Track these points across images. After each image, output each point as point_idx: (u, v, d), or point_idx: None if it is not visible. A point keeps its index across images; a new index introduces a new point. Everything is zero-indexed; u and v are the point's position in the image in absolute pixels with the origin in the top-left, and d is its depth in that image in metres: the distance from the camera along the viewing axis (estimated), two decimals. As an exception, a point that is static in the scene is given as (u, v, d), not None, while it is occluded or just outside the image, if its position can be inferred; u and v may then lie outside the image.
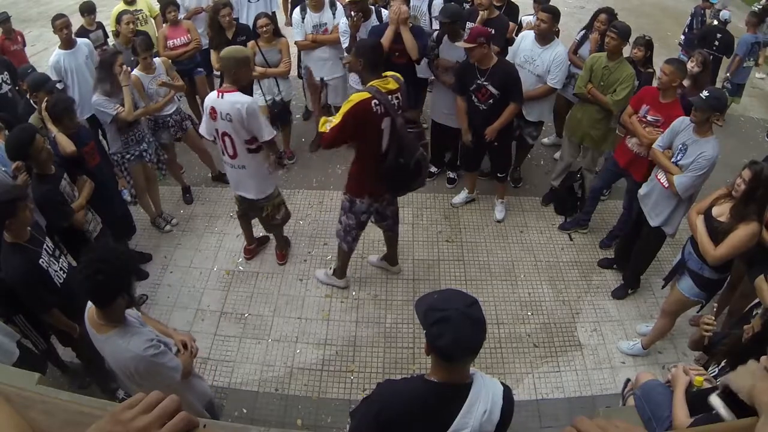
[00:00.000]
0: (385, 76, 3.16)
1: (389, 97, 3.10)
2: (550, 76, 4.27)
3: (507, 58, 4.43)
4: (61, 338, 3.11)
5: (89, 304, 2.10)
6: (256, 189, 3.63)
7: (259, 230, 4.46)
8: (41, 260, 2.67)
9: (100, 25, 5.19)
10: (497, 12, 4.58)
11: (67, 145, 3.25)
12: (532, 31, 4.35)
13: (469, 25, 4.42)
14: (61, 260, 2.82)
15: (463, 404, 1.72)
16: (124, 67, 3.75)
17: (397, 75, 3.24)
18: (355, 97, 3.04)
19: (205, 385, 2.69)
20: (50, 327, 3.02)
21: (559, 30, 4.49)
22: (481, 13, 4.39)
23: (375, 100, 3.04)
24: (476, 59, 3.88)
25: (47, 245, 2.75)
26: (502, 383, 1.84)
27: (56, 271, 2.75)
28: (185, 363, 2.29)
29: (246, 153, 3.40)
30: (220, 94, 3.23)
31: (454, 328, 1.59)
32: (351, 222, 3.58)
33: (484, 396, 1.74)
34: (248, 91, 4.69)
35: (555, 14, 4.23)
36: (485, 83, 3.95)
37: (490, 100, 4.01)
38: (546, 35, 4.27)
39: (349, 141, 3.22)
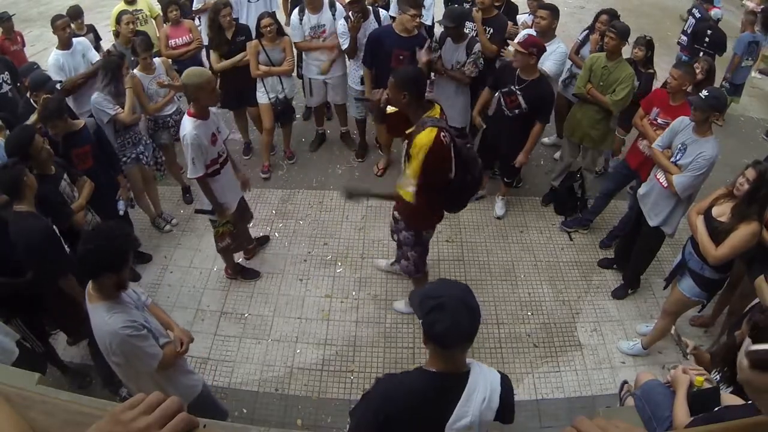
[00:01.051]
0: (430, 101, 2.95)
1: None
2: (547, 62, 4.25)
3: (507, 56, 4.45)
4: (70, 316, 3.10)
5: None
6: (198, 196, 3.62)
7: (258, 230, 4.47)
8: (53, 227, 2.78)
9: (91, 28, 5.18)
10: (496, 11, 4.58)
11: None
12: (533, 30, 4.35)
13: (469, 25, 4.43)
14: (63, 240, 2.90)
15: (461, 393, 1.75)
16: (129, 69, 3.74)
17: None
18: (427, 140, 2.76)
19: (193, 383, 2.61)
20: (58, 316, 3.03)
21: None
22: (474, 12, 4.38)
23: (443, 132, 2.81)
24: (519, 65, 3.87)
25: (50, 221, 2.83)
26: (499, 372, 1.88)
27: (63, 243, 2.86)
28: (167, 355, 2.29)
29: None
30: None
31: (451, 315, 1.62)
32: (417, 253, 3.41)
33: (483, 384, 1.78)
34: (252, 91, 4.74)
35: (553, 11, 4.24)
36: (518, 92, 3.95)
37: (516, 110, 4.02)
38: (546, 33, 4.28)
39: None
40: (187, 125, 3.10)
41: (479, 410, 1.76)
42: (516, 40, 3.95)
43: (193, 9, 5.25)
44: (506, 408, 1.85)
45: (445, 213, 3.44)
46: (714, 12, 6.37)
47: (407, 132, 2.93)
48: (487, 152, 4.53)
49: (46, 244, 2.69)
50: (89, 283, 2.17)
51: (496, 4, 4.80)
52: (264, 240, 4.39)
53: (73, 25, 4.99)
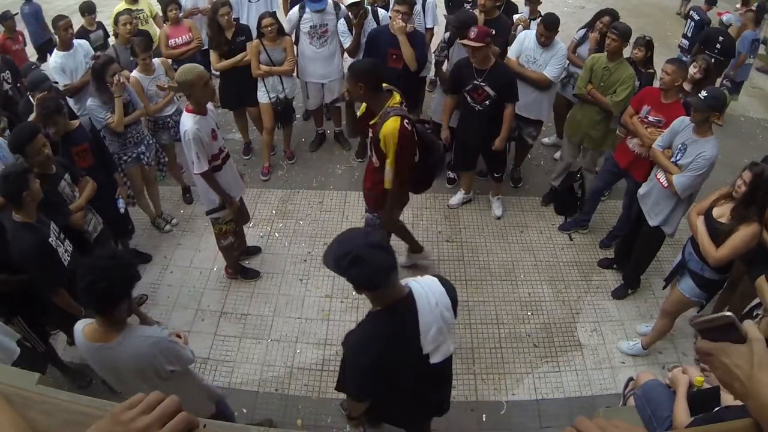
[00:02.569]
0: (389, 90, 3.09)
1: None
2: (548, 67, 4.29)
3: (509, 55, 4.44)
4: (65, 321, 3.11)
5: (80, 324, 2.06)
6: (201, 199, 3.59)
7: (258, 230, 4.47)
8: (50, 239, 2.74)
9: (101, 25, 5.18)
10: (498, 12, 4.58)
11: None
12: (535, 32, 4.34)
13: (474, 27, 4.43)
14: (65, 243, 2.89)
15: (416, 311, 1.94)
16: (117, 77, 3.68)
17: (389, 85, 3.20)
18: (392, 129, 2.95)
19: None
20: (54, 313, 3.03)
21: None
22: (477, 14, 4.39)
23: (405, 120, 2.98)
24: (480, 59, 3.87)
25: (53, 227, 2.82)
26: (432, 275, 2.11)
27: (62, 253, 2.83)
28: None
29: None
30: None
31: (369, 262, 1.76)
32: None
33: (428, 292, 1.98)
34: (252, 91, 4.73)
35: (554, 28, 4.22)
36: (482, 84, 3.94)
37: (486, 101, 4.01)
38: (545, 44, 4.29)
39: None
40: (188, 121, 3.09)
41: (438, 314, 1.97)
42: (468, 37, 3.86)
43: (181, 16, 5.21)
44: (454, 302, 2.05)
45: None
46: (726, 17, 6.38)
47: (371, 123, 3.09)
48: (466, 153, 4.53)
49: (39, 258, 2.65)
50: (92, 330, 2.01)
51: (497, 4, 4.81)
52: (254, 250, 4.33)
53: (84, 21, 5.01)
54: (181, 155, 4.90)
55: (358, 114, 3.31)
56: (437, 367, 2.07)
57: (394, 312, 1.93)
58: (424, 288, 1.99)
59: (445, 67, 4.66)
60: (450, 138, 4.39)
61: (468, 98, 4.07)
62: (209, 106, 3.26)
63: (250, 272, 4.12)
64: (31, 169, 2.71)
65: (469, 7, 4.85)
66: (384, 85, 3.12)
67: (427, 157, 3.24)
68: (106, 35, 5.18)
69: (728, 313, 0.80)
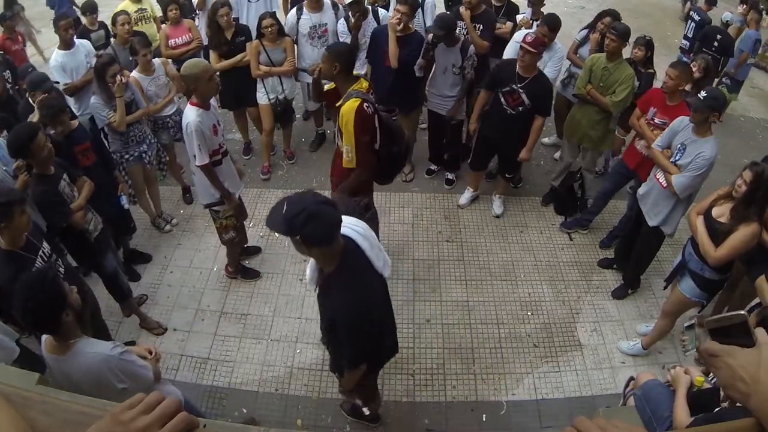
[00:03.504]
0: (356, 77, 3.18)
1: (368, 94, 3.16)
2: (546, 68, 4.30)
3: (507, 56, 4.45)
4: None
5: (45, 336, 2.08)
6: (199, 193, 3.61)
7: (259, 230, 4.47)
8: (35, 268, 2.60)
9: (103, 25, 5.19)
10: (483, 6, 4.57)
11: None
12: (533, 32, 4.34)
13: (461, 24, 4.41)
14: (57, 264, 2.78)
15: (360, 248, 2.09)
16: (118, 77, 3.67)
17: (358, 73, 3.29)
18: (349, 109, 3.02)
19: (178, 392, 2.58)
20: None
21: None
22: (463, 11, 4.38)
23: (366, 103, 3.06)
24: (527, 64, 3.87)
25: (43, 251, 2.71)
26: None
27: None
28: (152, 366, 2.29)
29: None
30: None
31: (323, 218, 1.84)
32: None
33: (352, 227, 2.11)
34: (251, 91, 4.73)
35: (557, 29, 4.24)
36: (520, 90, 3.95)
37: (520, 108, 4.02)
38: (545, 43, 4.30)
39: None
40: (191, 114, 3.11)
41: (370, 236, 2.16)
42: (524, 40, 3.88)
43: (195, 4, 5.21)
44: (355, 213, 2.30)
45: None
46: (724, 15, 6.36)
47: (337, 105, 3.16)
48: (485, 151, 4.54)
49: (9, 292, 2.55)
50: (49, 343, 2.04)
51: (497, 4, 4.81)
52: (254, 250, 4.33)
53: (86, 20, 5.01)
54: (181, 155, 4.91)
55: (325, 89, 3.39)
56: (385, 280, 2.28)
57: (351, 264, 2.03)
58: (347, 225, 2.06)
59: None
60: (472, 134, 4.40)
61: (502, 99, 4.07)
62: (212, 102, 3.27)
63: (250, 272, 4.12)
64: (20, 202, 2.51)
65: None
66: (354, 73, 3.21)
67: (392, 146, 3.30)
68: (108, 35, 5.18)
69: (743, 312, 0.79)
